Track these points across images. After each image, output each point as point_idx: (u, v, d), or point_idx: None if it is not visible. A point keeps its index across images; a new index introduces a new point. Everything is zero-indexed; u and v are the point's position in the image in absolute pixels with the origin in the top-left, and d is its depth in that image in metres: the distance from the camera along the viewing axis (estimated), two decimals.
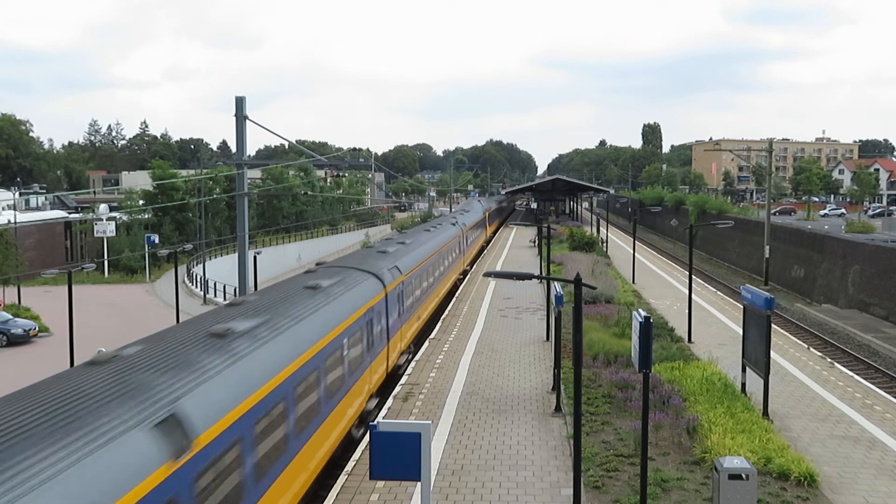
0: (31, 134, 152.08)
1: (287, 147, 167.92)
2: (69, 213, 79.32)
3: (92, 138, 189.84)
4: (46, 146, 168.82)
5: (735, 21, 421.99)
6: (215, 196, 78.02)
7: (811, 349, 28.72)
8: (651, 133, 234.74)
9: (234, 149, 26.96)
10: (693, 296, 29.27)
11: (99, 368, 9.86)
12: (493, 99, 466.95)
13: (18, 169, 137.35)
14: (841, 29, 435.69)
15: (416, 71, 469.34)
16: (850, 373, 24.78)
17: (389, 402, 20.95)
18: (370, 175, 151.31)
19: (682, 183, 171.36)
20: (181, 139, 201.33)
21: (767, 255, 60.71)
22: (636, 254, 50.42)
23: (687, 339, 28.15)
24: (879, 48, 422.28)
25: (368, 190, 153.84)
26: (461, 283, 45.07)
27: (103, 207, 71.65)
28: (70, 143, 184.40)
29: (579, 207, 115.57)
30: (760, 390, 19.12)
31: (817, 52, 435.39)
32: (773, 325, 21.74)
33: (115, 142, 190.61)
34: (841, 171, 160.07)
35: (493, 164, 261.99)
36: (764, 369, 18.91)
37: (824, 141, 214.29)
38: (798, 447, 16.97)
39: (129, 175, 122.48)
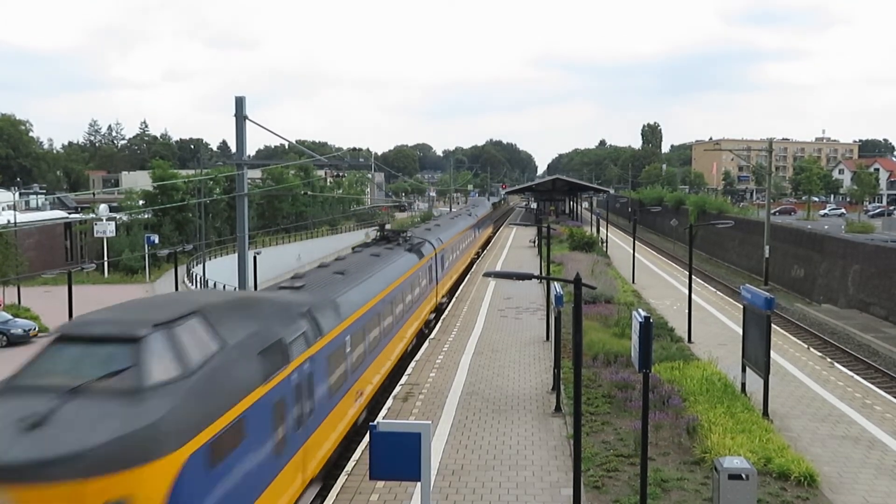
0: (30, 134, 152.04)
1: (287, 147, 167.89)
2: (69, 214, 79.29)
3: (92, 138, 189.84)
4: (46, 146, 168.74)
5: (733, 22, 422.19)
6: (215, 196, 77.99)
7: (811, 349, 28.74)
8: (651, 133, 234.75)
9: (234, 149, 26.94)
10: (693, 296, 29.27)
11: None
12: (493, 99, 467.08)
13: (18, 169, 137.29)
14: (840, 29, 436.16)
15: (416, 71, 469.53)
16: (850, 373, 24.79)
17: (389, 402, 20.96)
18: (370, 175, 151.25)
19: (681, 183, 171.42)
20: (181, 139, 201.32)
21: (767, 255, 60.68)
22: (636, 254, 50.42)
23: (687, 338, 28.15)
24: (878, 48, 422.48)
25: (368, 190, 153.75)
26: None
27: (103, 208, 71.60)
28: (70, 144, 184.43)
29: (579, 207, 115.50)
30: (760, 390, 19.13)
31: (817, 53, 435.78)
32: (772, 325, 21.74)
33: (115, 142, 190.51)
34: (841, 171, 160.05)
35: (493, 164, 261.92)
36: (764, 369, 18.92)
37: (824, 141, 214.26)
38: (798, 447, 16.98)
39: (128, 175, 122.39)
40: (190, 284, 59.67)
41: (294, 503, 13.01)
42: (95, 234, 68.77)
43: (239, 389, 10.61)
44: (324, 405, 14.94)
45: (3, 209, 70.34)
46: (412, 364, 25.14)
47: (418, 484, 12.04)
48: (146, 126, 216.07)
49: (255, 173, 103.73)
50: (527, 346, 27.80)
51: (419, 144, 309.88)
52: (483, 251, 67.15)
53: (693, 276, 29.82)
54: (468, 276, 49.67)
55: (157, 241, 67.13)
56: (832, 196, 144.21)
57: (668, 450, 16.79)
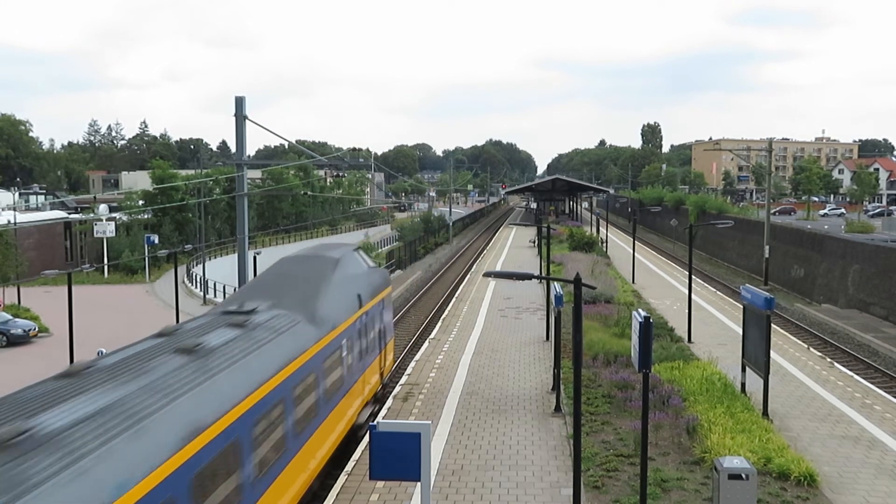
0: (30, 134, 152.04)
1: (287, 147, 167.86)
2: (69, 214, 79.25)
3: (92, 138, 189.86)
4: (46, 146, 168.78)
5: (733, 23, 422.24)
6: (215, 196, 77.97)
7: (811, 349, 28.73)
8: (651, 133, 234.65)
9: (233, 149, 26.96)
10: (693, 296, 29.27)
11: None
12: (493, 99, 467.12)
13: (18, 169, 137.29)
14: (839, 29, 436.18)
15: (417, 71, 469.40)
16: (850, 373, 24.78)
17: (389, 402, 20.96)
18: (370, 175, 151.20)
19: (681, 183, 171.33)
20: (181, 139, 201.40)
21: (767, 255, 60.67)
22: (636, 254, 50.42)
23: (687, 339, 28.15)
24: (878, 48, 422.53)
25: (368, 190, 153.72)
26: None
27: (103, 208, 71.58)
28: (70, 143, 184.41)
29: (579, 207, 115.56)
30: (760, 390, 19.13)
31: (816, 53, 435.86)
32: (772, 325, 21.74)
33: (115, 142, 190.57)
34: (841, 171, 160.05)
35: (493, 164, 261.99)
36: (764, 369, 18.91)
37: (824, 141, 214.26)
38: (798, 447, 16.97)
39: (128, 175, 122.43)
40: (190, 285, 59.72)
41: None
42: (95, 235, 68.72)
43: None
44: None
45: (3, 209, 70.31)
46: (412, 364, 25.14)
47: (418, 484, 12.04)
48: (146, 126, 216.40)
49: (255, 173, 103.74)
50: (527, 346, 27.80)
51: (419, 144, 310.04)
52: None
53: (693, 276, 29.81)
54: None
55: (156, 241, 67.12)
56: (832, 196, 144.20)
57: (668, 450, 16.79)
